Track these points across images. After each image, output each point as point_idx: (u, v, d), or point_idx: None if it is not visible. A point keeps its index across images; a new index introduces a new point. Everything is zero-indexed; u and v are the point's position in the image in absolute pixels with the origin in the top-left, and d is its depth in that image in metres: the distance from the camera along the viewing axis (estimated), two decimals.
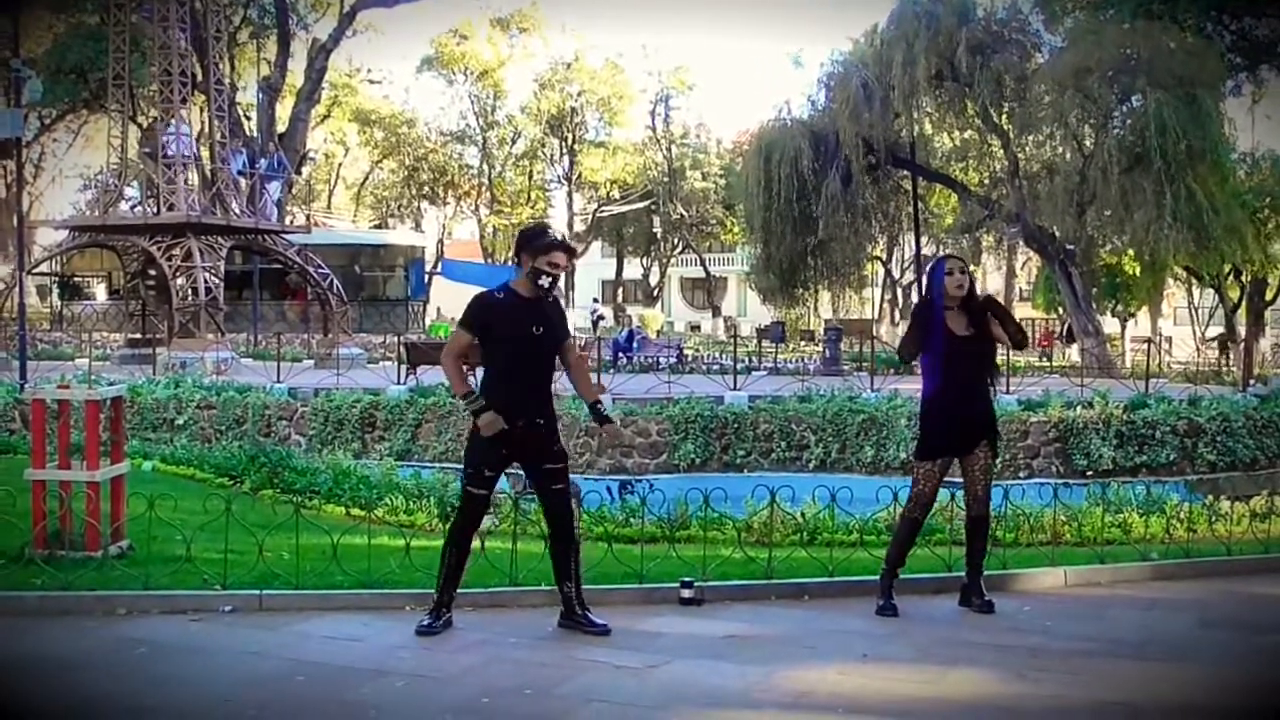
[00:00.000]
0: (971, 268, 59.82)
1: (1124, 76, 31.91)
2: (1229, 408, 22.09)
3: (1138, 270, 40.15)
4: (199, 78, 38.19)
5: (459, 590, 8.10)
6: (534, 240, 7.79)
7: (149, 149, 35.23)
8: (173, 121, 34.15)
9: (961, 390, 8.52)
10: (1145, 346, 35.28)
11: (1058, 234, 35.53)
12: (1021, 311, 62.66)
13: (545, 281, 7.71)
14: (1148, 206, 30.54)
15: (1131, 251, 36.13)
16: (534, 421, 7.75)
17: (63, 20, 53.06)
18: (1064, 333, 50.95)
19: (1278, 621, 8.69)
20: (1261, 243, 36.25)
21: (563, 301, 8.37)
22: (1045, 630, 8.27)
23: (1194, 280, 44.31)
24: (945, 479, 8.69)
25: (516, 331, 7.67)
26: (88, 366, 28.74)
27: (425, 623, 7.84)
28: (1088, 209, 33.57)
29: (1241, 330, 41.26)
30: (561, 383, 8.30)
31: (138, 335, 38.44)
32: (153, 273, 36.62)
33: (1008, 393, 23.16)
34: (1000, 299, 62.77)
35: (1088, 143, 33.47)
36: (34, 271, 40.78)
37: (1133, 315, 47.60)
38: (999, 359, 9.21)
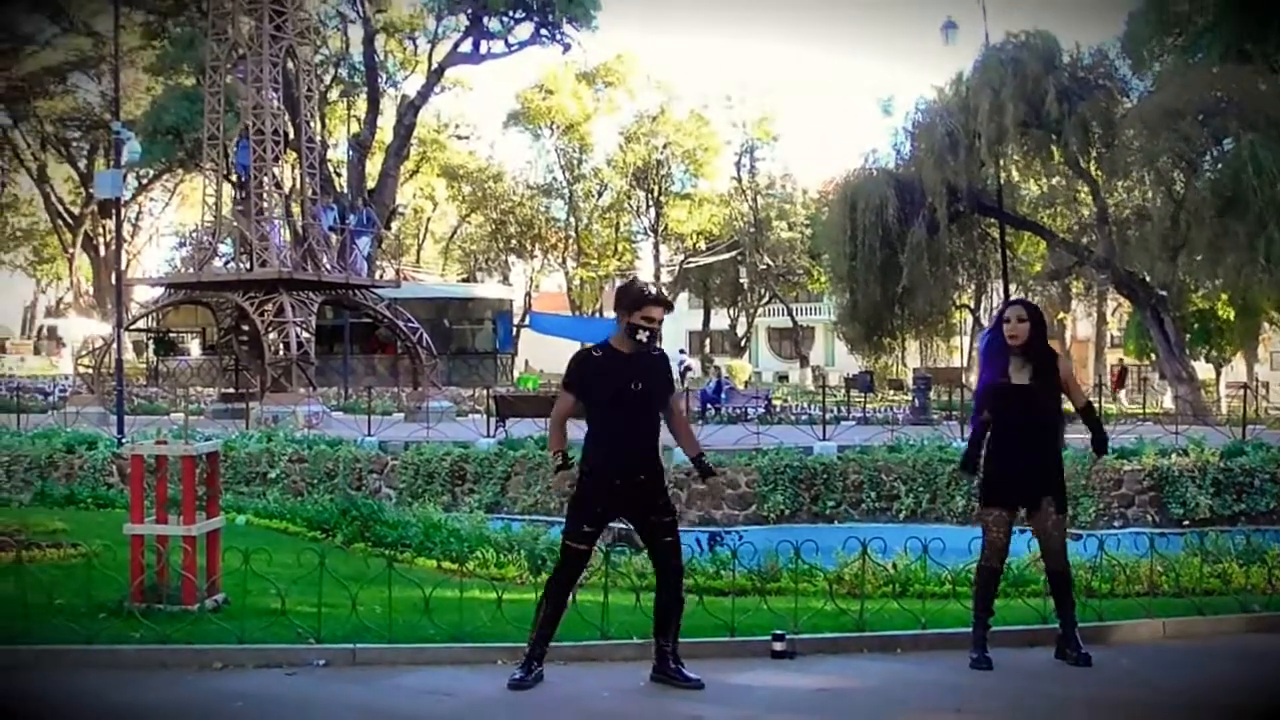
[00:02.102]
0: (1060, 315, 59.29)
1: (1215, 119, 31.53)
2: None
3: (1232, 315, 39.57)
4: (291, 136, 38.86)
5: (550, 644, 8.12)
6: (627, 296, 7.83)
7: (243, 207, 35.82)
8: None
9: (1017, 439, 8.43)
10: (1241, 392, 34.69)
11: (1149, 279, 35.12)
12: (1112, 358, 62.06)
13: (643, 336, 7.73)
14: (1240, 250, 30.11)
15: (1224, 296, 35.63)
16: (636, 478, 7.72)
17: (160, 82, 54.36)
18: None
19: None
20: None
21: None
22: (1144, 683, 8.13)
23: None
24: (1021, 527, 8.63)
25: (613, 387, 7.69)
26: (183, 421, 29.15)
27: (517, 676, 7.84)
28: (1179, 254, 33.13)
29: None
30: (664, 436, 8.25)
31: (231, 390, 38.96)
32: (245, 328, 37.13)
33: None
34: (1090, 345, 62.13)
35: (1178, 187, 33.07)
36: (131, 328, 41.53)
37: (1228, 360, 46.85)
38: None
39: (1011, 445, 8.47)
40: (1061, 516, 8.52)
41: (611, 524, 8.27)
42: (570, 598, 8.15)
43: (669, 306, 7.83)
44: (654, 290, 7.85)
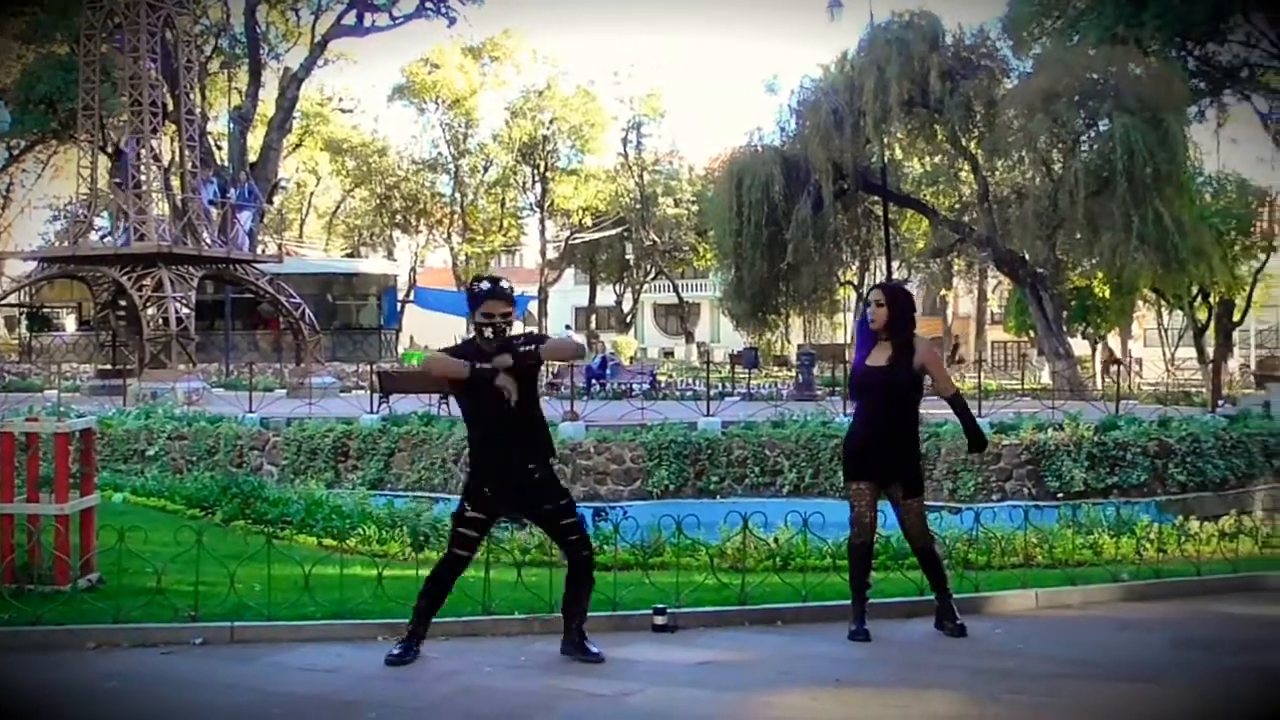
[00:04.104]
0: (943, 291, 60.13)
1: (1091, 101, 32.14)
2: (1199, 428, 22.17)
3: (1107, 293, 40.37)
4: (170, 107, 38.16)
5: (433, 619, 8.10)
6: (470, 296, 7.78)
7: (119, 179, 35.13)
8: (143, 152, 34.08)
9: (873, 419, 8.62)
10: (1116, 368, 35.41)
11: (1028, 257, 35.71)
12: (993, 334, 63.07)
13: (488, 333, 7.70)
14: (1115, 229, 30.73)
15: (1101, 274, 36.35)
16: (525, 469, 7.73)
17: (32, 50, 52.95)
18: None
19: (1247, 641, 8.73)
20: (1228, 264, 36.47)
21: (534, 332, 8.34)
22: (1018, 652, 8.30)
23: (1163, 302, 44.54)
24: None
25: (483, 385, 7.61)
26: (57, 398, 28.60)
27: (395, 652, 7.82)
28: (1057, 232, 33.76)
29: (1210, 351, 41.50)
30: None
31: (108, 366, 38.25)
32: (123, 303, 36.46)
33: (980, 415, 23.20)
34: (972, 322, 63.08)
35: (1056, 167, 33.67)
36: (2, 303, 40.59)
37: (1103, 337, 47.78)
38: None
39: (869, 424, 8.68)
40: (914, 500, 8.64)
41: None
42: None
43: (508, 300, 7.74)
44: (489, 285, 7.75)
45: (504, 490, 7.75)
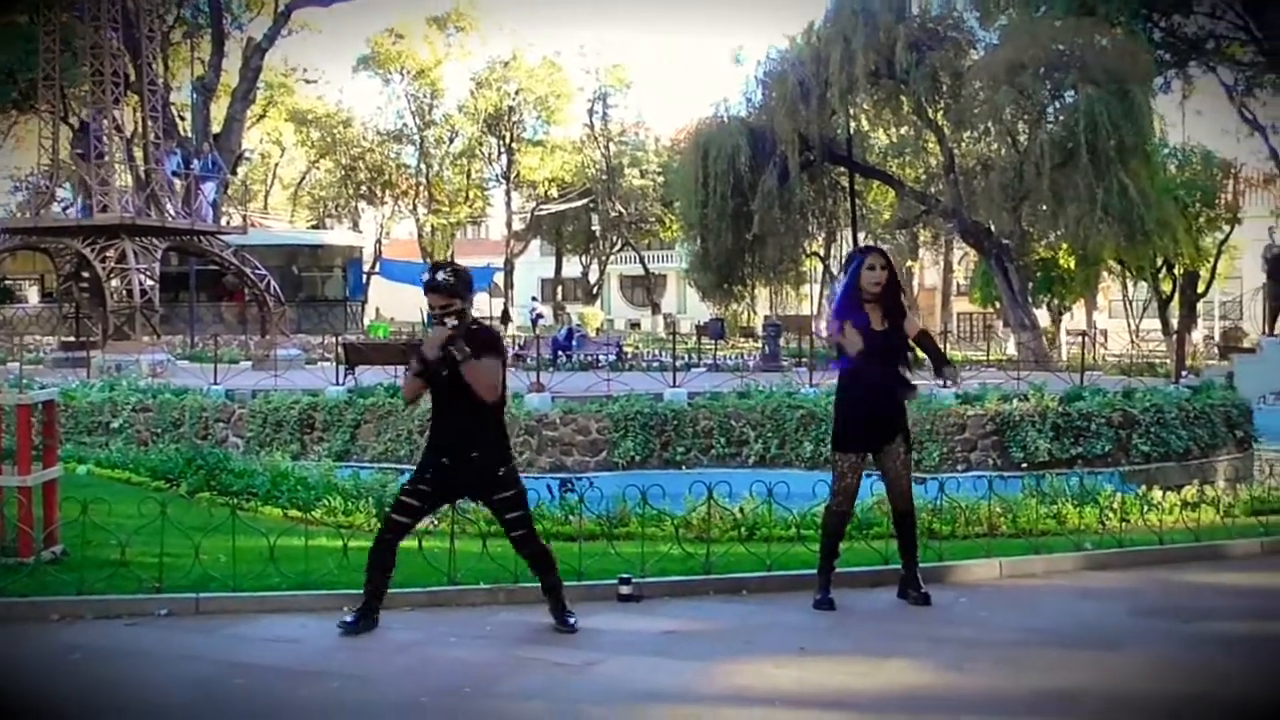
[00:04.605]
0: (909, 263, 60.14)
1: (1057, 72, 32.22)
2: (1162, 399, 22.27)
3: (1073, 264, 40.59)
4: (132, 78, 37.82)
5: (398, 590, 8.10)
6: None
7: (81, 150, 34.84)
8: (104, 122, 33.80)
9: (873, 385, 8.53)
10: (1080, 339, 35.61)
11: (993, 229, 35.81)
12: (959, 306, 63.29)
13: (435, 322, 7.74)
14: (1080, 201, 30.85)
15: (1066, 245, 36.51)
16: (467, 455, 7.71)
17: None
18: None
19: (1207, 609, 8.81)
20: (1192, 236, 36.74)
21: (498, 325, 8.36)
22: (981, 621, 8.36)
23: (1128, 273, 44.81)
24: (868, 471, 8.78)
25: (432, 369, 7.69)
26: (19, 370, 28.33)
27: (349, 620, 7.82)
28: (1022, 204, 33.86)
29: (1174, 322, 41.81)
30: None
31: (71, 338, 37.98)
32: (86, 275, 36.21)
33: (945, 386, 23.27)
34: (937, 293, 63.22)
35: (1022, 138, 33.75)
36: None
37: (1068, 309, 48.06)
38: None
39: (868, 391, 8.56)
40: (909, 456, 8.72)
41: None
42: (418, 543, 8.10)
43: (445, 294, 7.58)
44: (427, 278, 7.72)
45: (449, 469, 7.76)
